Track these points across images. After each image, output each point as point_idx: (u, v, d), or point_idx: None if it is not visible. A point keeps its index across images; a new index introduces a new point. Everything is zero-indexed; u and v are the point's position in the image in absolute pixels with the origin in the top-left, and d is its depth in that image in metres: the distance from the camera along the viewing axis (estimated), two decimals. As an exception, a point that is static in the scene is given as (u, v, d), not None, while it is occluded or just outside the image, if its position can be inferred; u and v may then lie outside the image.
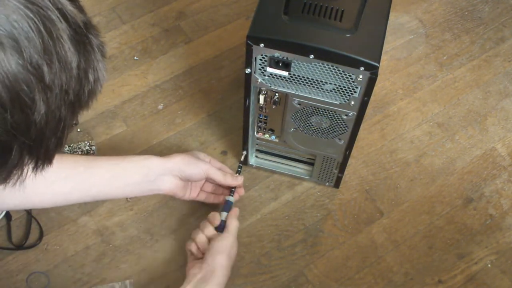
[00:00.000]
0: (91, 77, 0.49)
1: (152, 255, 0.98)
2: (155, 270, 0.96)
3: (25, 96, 0.42)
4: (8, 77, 0.41)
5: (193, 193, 0.97)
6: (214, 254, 0.86)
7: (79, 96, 0.48)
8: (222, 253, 0.86)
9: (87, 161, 0.88)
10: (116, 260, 0.97)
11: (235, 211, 0.94)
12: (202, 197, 0.98)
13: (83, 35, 0.47)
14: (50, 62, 0.43)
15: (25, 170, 0.48)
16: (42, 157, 0.48)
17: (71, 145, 1.06)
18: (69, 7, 0.46)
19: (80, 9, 0.48)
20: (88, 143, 1.07)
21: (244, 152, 1.01)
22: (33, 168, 0.49)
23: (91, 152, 1.06)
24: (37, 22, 0.42)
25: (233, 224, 0.91)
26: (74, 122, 0.52)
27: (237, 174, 0.99)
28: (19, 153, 0.45)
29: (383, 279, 0.96)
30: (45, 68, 0.43)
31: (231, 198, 0.96)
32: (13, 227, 0.99)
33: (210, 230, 0.91)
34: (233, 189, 0.97)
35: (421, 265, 0.98)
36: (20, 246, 0.97)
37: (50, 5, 0.43)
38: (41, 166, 0.49)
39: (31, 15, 0.42)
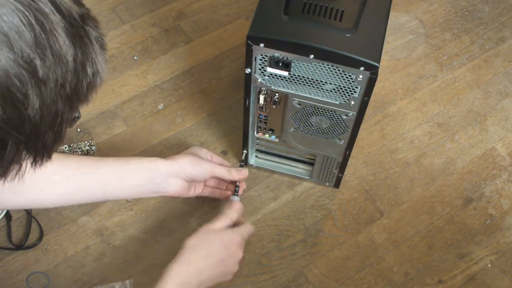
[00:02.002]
0: (89, 70, 0.48)
1: (152, 255, 0.98)
2: (155, 270, 0.96)
3: (17, 91, 0.42)
4: None
5: (197, 190, 0.97)
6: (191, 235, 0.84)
7: (77, 90, 0.47)
8: (196, 234, 0.83)
9: (92, 161, 0.88)
10: (116, 260, 0.97)
11: (236, 207, 0.91)
12: (207, 192, 0.98)
13: (79, 27, 0.46)
14: (43, 56, 0.42)
15: (23, 165, 0.48)
16: (41, 152, 0.48)
17: (71, 145, 1.06)
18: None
19: (76, 1, 0.47)
20: (88, 143, 1.07)
21: (245, 151, 1.01)
22: (31, 163, 0.48)
23: (91, 152, 1.06)
24: (28, 15, 0.41)
25: (222, 217, 0.88)
26: (74, 115, 0.51)
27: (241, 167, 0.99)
28: (15, 148, 0.45)
29: (383, 279, 0.96)
30: (38, 62, 0.42)
31: (236, 198, 0.95)
32: (13, 227, 0.99)
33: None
34: (237, 188, 0.96)
35: (421, 265, 0.98)
36: (20, 246, 0.97)
37: None
38: (40, 161, 0.49)
39: (22, 8, 0.41)
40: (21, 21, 0.41)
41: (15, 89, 0.41)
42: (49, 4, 0.43)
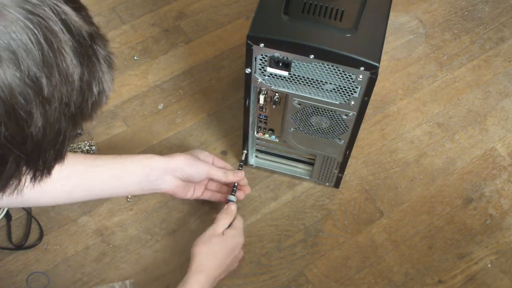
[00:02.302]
0: (95, 89, 0.47)
1: (152, 255, 0.98)
2: (155, 270, 0.96)
3: (21, 109, 0.41)
4: (3, 90, 0.40)
5: (197, 192, 0.97)
6: (194, 244, 0.88)
7: (82, 108, 0.47)
8: (200, 243, 0.87)
9: (89, 159, 0.88)
10: (116, 260, 0.97)
11: (230, 210, 0.94)
12: (207, 196, 0.99)
13: (88, 46, 0.46)
14: (50, 74, 0.42)
15: (22, 181, 0.47)
16: (41, 168, 0.47)
17: (71, 145, 1.06)
18: (74, 18, 0.44)
19: (87, 20, 0.46)
20: (88, 143, 1.07)
21: (245, 151, 1.01)
22: (31, 179, 0.48)
23: (91, 152, 1.06)
24: (37, 33, 0.41)
25: (221, 222, 0.91)
26: (77, 132, 0.51)
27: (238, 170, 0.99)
28: (15, 165, 0.44)
29: (383, 279, 0.96)
30: (44, 81, 0.42)
31: (232, 198, 0.96)
32: (13, 227, 0.99)
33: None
34: (235, 188, 0.97)
35: (421, 265, 0.98)
36: (20, 246, 0.97)
37: (53, 15, 0.42)
38: (39, 177, 0.48)
39: (31, 26, 0.41)
40: (30, 39, 0.41)
41: (19, 107, 0.41)
42: (59, 23, 0.43)
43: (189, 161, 0.91)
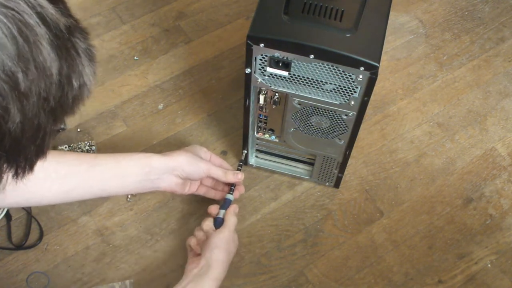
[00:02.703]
0: (75, 83, 0.46)
1: (152, 255, 0.98)
2: (155, 270, 0.96)
3: None
4: None
5: (192, 188, 0.97)
6: (210, 249, 0.86)
7: (62, 102, 0.46)
8: (219, 247, 0.86)
9: (89, 159, 0.88)
10: (116, 260, 0.97)
11: (234, 207, 0.94)
12: (202, 191, 0.99)
13: (66, 39, 0.44)
14: (26, 69, 0.41)
15: (4, 178, 0.46)
16: (22, 165, 0.46)
17: (71, 145, 1.06)
18: (50, 10, 0.43)
19: (64, 12, 0.45)
20: (88, 143, 1.07)
21: (245, 151, 1.01)
22: (13, 176, 0.47)
23: (91, 152, 1.06)
24: (11, 27, 0.40)
25: (230, 220, 0.91)
26: (59, 127, 0.50)
27: (238, 171, 0.99)
28: None
29: (383, 279, 0.96)
30: (20, 76, 0.41)
31: (230, 196, 0.96)
32: (13, 227, 0.99)
33: (208, 225, 0.92)
34: (233, 187, 0.97)
35: (421, 265, 0.98)
36: (20, 246, 0.97)
37: (28, 9, 0.41)
38: (21, 174, 0.47)
39: (5, 20, 0.40)
40: (4, 33, 0.40)
41: None
42: (35, 16, 0.42)
43: (189, 160, 0.91)
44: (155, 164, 0.89)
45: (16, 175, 0.47)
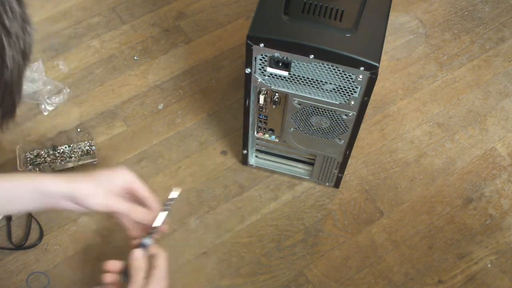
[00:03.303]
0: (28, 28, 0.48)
1: (152, 255, 0.97)
2: (155, 270, 0.96)
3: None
4: None
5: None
6: None
7: (25, 45, 0.47)
8: None
9: None
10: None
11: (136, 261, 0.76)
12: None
13: None
14: (5, 11, 0.43)
15: None
16: (8, 110, 0.48)
17: (71, 145, 1.06)
18: None
19: None
20: (88, 143, 1.07)
21: (245, 151, 1.01)
22: None
23: (91, 152, 1.06)
24: None
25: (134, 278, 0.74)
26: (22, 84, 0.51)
27: (165, 211, 0.80)
28: None
29: (383, 279, 0.96)
30: (4, 16, 0.43)
31: (147, 241, 0.78)
32: (13, 227, 0.99)
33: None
34: (153, 231, 0.78)
35: (421, 265, 0.98)
36: (20, 246, 0.97)
37: None
38: (7, 120, 0.48)
39: None
40: None
41: None
42: None
43: (93, 194, 0.75)
44: (46, 189, 0.74)
45: (1, 120, 0.48)
